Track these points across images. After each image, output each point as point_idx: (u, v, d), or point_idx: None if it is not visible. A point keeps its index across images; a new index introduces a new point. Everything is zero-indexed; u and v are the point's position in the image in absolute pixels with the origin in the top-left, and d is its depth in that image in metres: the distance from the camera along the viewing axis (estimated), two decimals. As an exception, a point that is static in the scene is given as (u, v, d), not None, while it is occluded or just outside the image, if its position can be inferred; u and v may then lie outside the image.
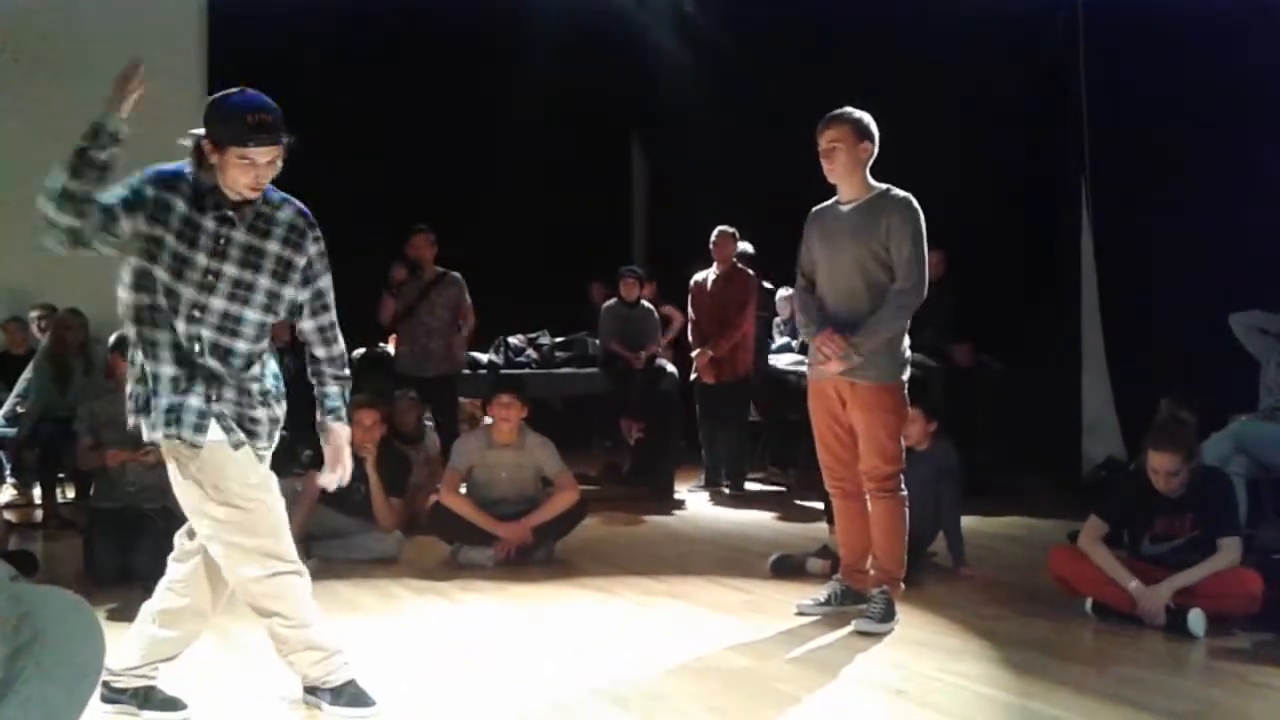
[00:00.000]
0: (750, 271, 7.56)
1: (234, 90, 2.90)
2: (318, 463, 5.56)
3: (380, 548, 5.41)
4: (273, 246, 2.99)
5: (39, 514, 6.63)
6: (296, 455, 6.86)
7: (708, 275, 7.61)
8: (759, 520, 6.64)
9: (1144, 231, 6.91)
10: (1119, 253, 7.27)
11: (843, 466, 4.23)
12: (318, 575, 4.95)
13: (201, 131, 2.89)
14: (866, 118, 4.11)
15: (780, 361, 8.18)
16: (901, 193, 4.10)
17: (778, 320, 8.90)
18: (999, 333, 7.46)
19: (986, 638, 3.94)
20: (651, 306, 7.89)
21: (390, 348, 7.59)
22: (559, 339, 7.77)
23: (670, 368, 7.62)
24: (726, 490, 7.56)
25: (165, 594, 3.20)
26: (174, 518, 5.15)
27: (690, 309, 7.68)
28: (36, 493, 6.79)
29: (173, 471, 3.04)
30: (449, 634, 4.01)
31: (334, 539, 5.36)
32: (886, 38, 8.10)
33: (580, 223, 10.04)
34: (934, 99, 7.92)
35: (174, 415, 2.93)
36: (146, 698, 3.17)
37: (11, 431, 6.67)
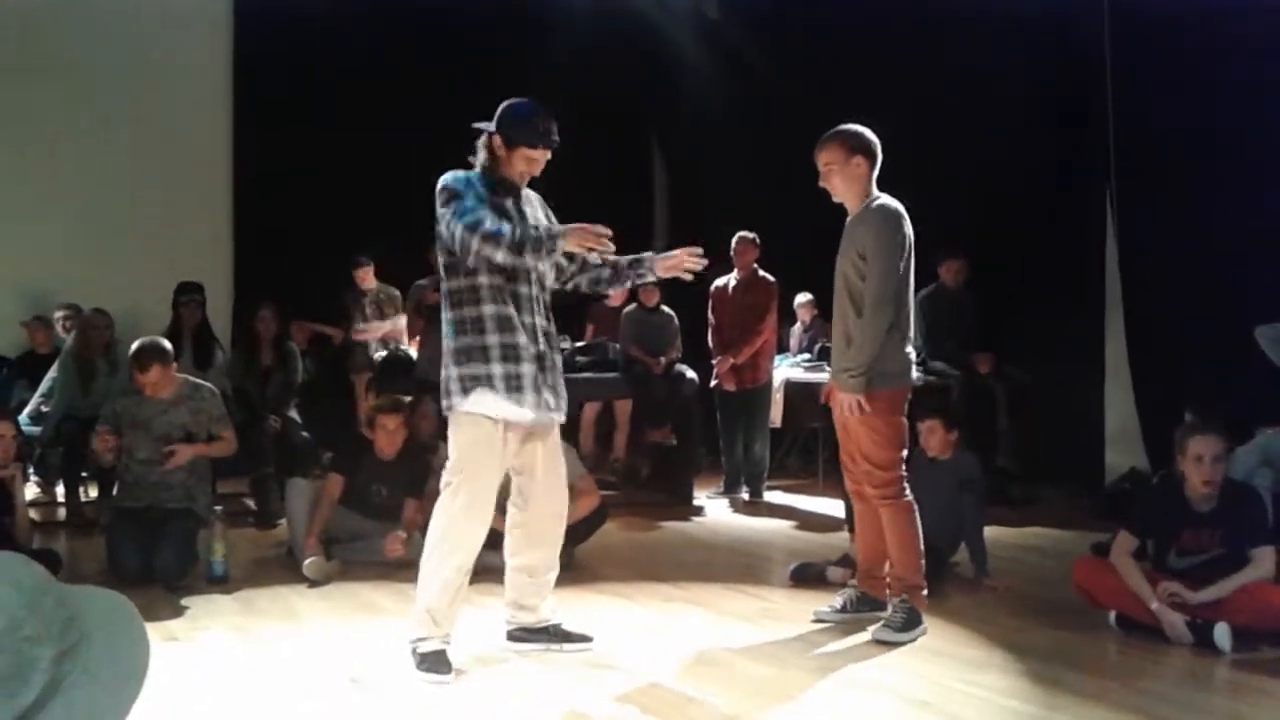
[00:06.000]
0: (771, 278, 7.54)
1: (522, 100, 3.59)
2: (338, 465, 5.60)
3: (400, 550, 5.41)
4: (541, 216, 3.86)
5: (62, 512, 6.67)
6: (318, 457, 6.88)
7: (728, 281, 7.58)
8: (778, 528, 6.61)
9: (1170, 241, 6.84)
10: (1144, 262, 7.19)
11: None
12: (338, 577, 5.00)
13: (490, 128, 3.61)
14: (857, 131, 4.06)
15: (798, 370, 8.16)
16: (880, 201, 4.04)
17: (795, 327, 8.86)
18: (1021, 342, 7.41)
19: (1009, 649, 3.91)
20: (671, 312, 7.86)
21: (413, 350, 7.62)
22: (580, 344, 7.76)
23: (690, 373, 7.60)
24: (746, 497, 7.54)
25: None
26: (196, 518, 5.19)
27: (711, 315, 7.66)
28: (59, 491, 6.84)
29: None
30: (469, 637, 4.01)
31: (355, 541, 5.37)
32: (910, 44, 8.06)
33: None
34: (957, 105, 7.88)
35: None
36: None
37: (36, 430, 6.72)
